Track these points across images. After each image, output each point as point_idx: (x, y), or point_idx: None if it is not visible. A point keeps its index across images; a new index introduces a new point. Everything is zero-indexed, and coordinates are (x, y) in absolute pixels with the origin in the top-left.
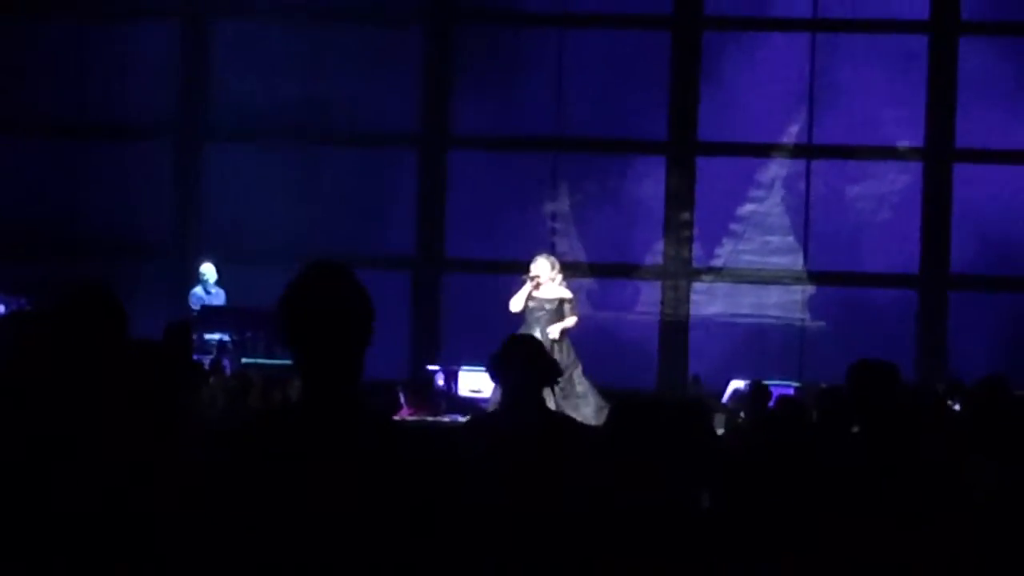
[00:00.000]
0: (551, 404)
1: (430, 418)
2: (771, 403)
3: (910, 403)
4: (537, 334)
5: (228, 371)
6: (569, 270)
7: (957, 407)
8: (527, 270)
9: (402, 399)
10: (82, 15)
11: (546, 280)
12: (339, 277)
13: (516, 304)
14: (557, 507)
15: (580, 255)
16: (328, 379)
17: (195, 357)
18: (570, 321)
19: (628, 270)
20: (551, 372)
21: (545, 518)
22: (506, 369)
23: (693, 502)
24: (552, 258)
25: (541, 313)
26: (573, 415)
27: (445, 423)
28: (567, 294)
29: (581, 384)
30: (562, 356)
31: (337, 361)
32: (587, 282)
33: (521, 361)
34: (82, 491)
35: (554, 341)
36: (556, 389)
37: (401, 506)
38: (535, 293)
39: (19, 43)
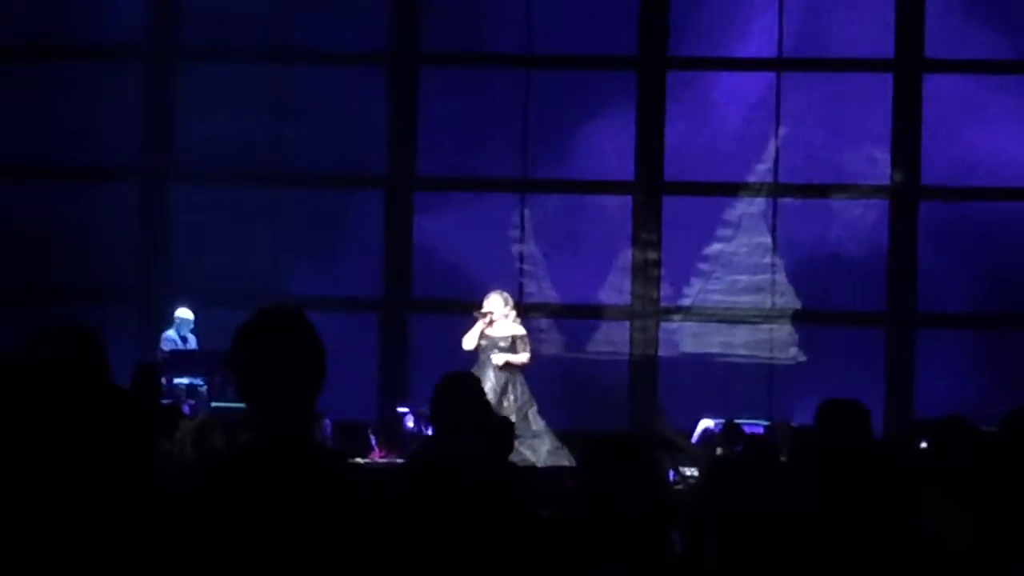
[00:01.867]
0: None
1: (400, 460)
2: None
3: (876, 447)
4: (490, 372)
5: (189, 414)
6: (538, 311)
7: (924, 445)
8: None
9: (372, 441)
10: (46, 55)
11: (499, 317)
12: (290, 321)
13: (469, 342)
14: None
15: (548, 296)
16: (280, 422)
17: (164, 401)
18: (522, 357)
19: (596, 311)
20: (481, 416)
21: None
22: (435, 412)
23: (665, 545)
24: (505, 294)
25: (494, 351)
26: (528, 455)
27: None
28: (520, 331)
29: (536, 424)
30: (515, 395)
31: (289, 404)
32: (555, 323)
33: (449, 406)
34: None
35: (508, 381)
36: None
37: (351, 546)
38: (488, 331)
39: None
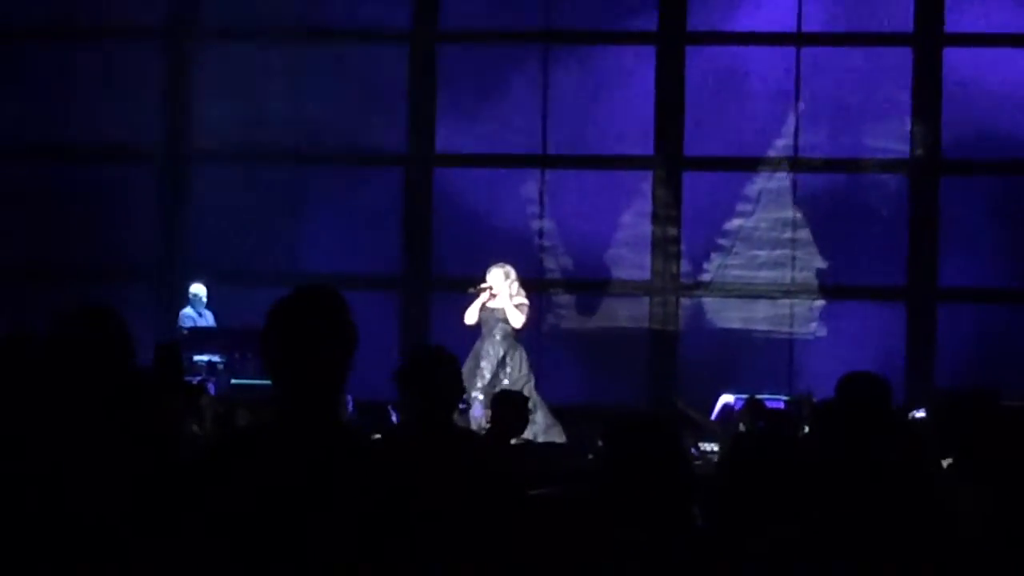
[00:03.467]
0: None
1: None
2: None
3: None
4: (490, 346)
5: (213, 393)
6: (557, 286)
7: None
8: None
9: (394, 418)
10: (64, 37)
11: (500, 290)
12: (325, 300)
13: (470, 317)
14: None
15: (568, 272)
16: (306, 400)
17: (190, 379)
18: (513, 317)
19: (616, 286)
20: (453, 393)
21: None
22: (406, 388)
23: (686, 519)
24: (507, 267)
25: (495, 323)
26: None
27: None
28: (520, 301)
29: (532, 399)
30: (513, 367)
31: (317, 383)
32: (574, 298)
33: (421, 382)
34: (75, 514)
35: (506, 353)
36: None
37: (374, 522)
38: (490, 304)
39: (0, 65)
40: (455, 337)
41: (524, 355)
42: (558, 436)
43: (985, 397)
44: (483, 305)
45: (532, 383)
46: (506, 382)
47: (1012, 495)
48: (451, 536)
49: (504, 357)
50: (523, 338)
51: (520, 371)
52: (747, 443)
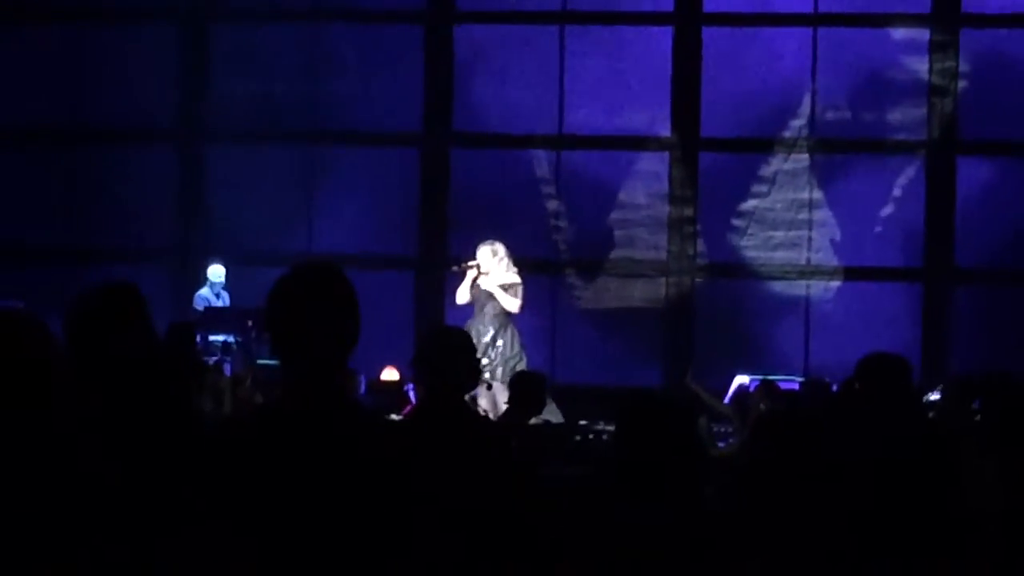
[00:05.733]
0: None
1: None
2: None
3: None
4: (480, 324)
5: (229, 373)
6: (571, 266)
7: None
8: (522, 265)
9: (412, 396)
10: (80, 19)
11: (489, 268)
12: (325, 276)
13: (461, 296)
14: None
15: (582, 251)
16: (313, 377)
17: (208, 359)
18: (508, 302)
19: (631, 266)
20: (471, 375)
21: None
22: (423, 371)
23: (698, 500)
24: (496, 245)
25: (485, 301)
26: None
27: None
28: (512, 280)
29: None
30: (503, 345)
31: (322, 359)
32: (589, 278)
33: (438, 364)
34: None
35: (497, 331)
36: (493, 382)
37: (383, 499)
38: (480, 283)
39: (16, 47)
40: (470, 317)
41: (515, 334)
42: (553, 416)
43: (1001, 378)
44: (474, 283)
45: (524, 362)
46: (497, 361)
47: None
48: (463, 517)
49: (495, 336)
50: (521, 318)
51: (512, 349)
52: (768, 425)
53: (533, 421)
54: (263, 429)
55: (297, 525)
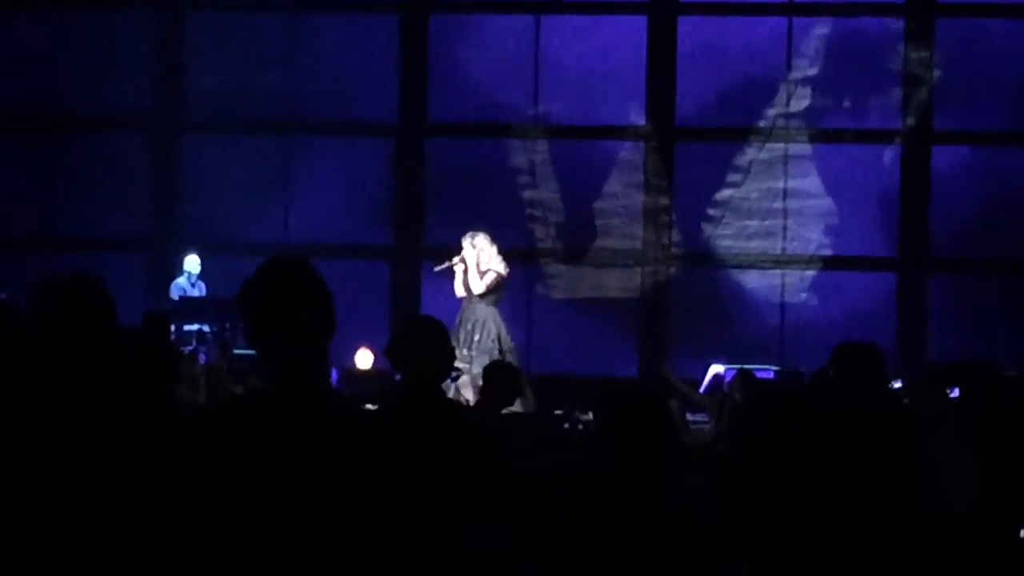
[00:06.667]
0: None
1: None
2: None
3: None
4: (468, 314)
5: (204, 362)
6: (547, 256)
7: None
8: (507, 258)
9: None
10: (56, 6)
11: (469, 259)
12: (296, 271)
13: (458, 289)
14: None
15: (558, 241)
16: (291, 369)
17: (184, 348)
18: (475, 282)
19: (607, 256)
20: (445, 363)
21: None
22: (399, 360)
23: (674, 487)
24: (476, 237)
25: (469, 290)
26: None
27: None
28: (491, 267)
29: None
30: (482, 335)
31: (297, 351)
32: (565, 268)
33: (415, 353)
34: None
35: (476, 321)
36: (464, 372)
37: (365, 488)
38: (468, 273)
39: None
40: (446, 307)
41: (495, 324)
42: (527, 405)
43: (979, 366)
44: (465, 275)
45: (504, 352)
46: (475, 351)
47: (1003, 462)
48: (442, 506)
49: (474, 326)
50: (501, 307)
51: (489, 339)
52: (750, 414)
53: (505, 411)
54: (244, 417)
55: (275, 512)
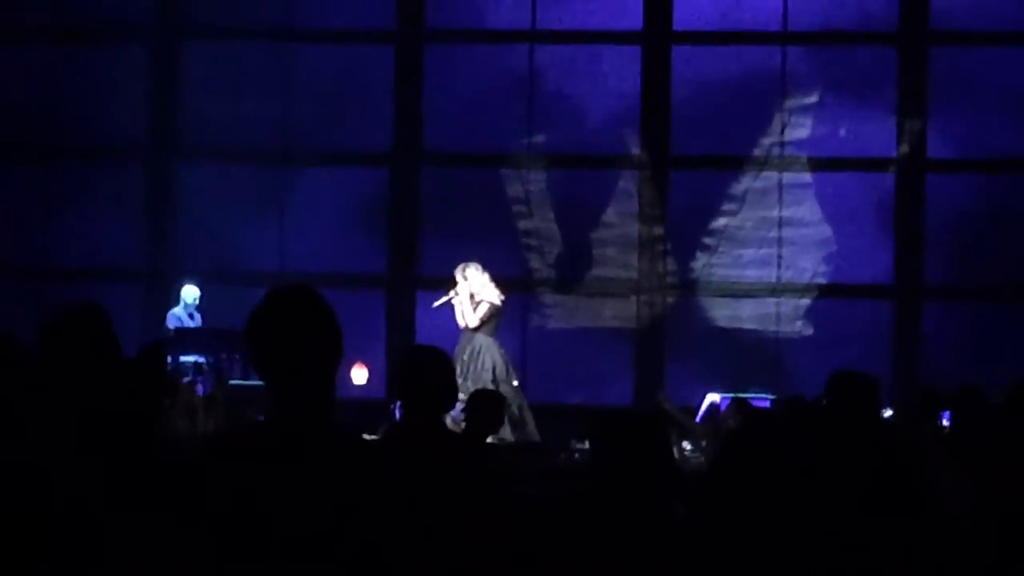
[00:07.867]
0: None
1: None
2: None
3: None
4: (466, 343)
5: (201, 392)
6: (543, 285)
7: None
8: (502, 287)
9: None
10: (53, 37)
11: (461, 290)
12: (304, 300)
13: (459, 319)
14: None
15: (553, 272)
16: (297, 399)
17: (184, 380)
18: (468, 315)
19: (602, 286)
20: (449, 394)
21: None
22: (401, 391)
23: (669, 514)
24: (468, 268)
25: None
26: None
27: None
28: (484, 297)
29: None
30: (479, 365)
31: (307, 381)
32: (561, 298)
33: (414, 383)
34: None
35: (474, 350)
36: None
37: (368, 519)
38: (464, 304)
39: None
40: (441, 336)
41: (491, 355)
42: (511, 435)
43: (972, 392)
44: (462, 306)
45: (499, 381)
46: (469, 380)
47: (999, 488)
48: (441, 536)
49: (471, 353)
50: (495, 336)
51: (483, 369)
52: (739, 443)
53: (490, 440)
54: (251, 446)
55: (279, 542)
